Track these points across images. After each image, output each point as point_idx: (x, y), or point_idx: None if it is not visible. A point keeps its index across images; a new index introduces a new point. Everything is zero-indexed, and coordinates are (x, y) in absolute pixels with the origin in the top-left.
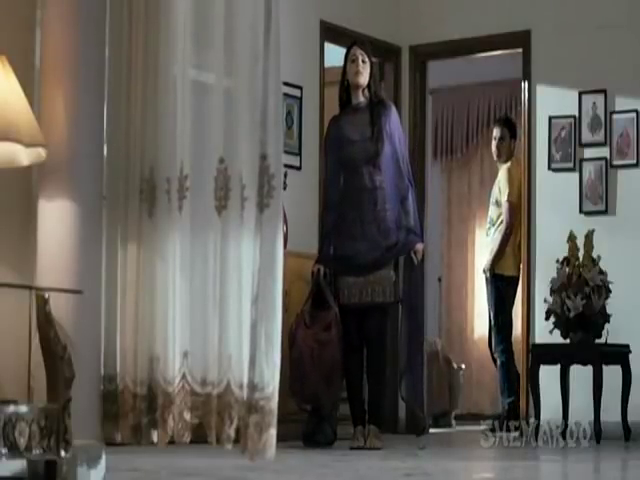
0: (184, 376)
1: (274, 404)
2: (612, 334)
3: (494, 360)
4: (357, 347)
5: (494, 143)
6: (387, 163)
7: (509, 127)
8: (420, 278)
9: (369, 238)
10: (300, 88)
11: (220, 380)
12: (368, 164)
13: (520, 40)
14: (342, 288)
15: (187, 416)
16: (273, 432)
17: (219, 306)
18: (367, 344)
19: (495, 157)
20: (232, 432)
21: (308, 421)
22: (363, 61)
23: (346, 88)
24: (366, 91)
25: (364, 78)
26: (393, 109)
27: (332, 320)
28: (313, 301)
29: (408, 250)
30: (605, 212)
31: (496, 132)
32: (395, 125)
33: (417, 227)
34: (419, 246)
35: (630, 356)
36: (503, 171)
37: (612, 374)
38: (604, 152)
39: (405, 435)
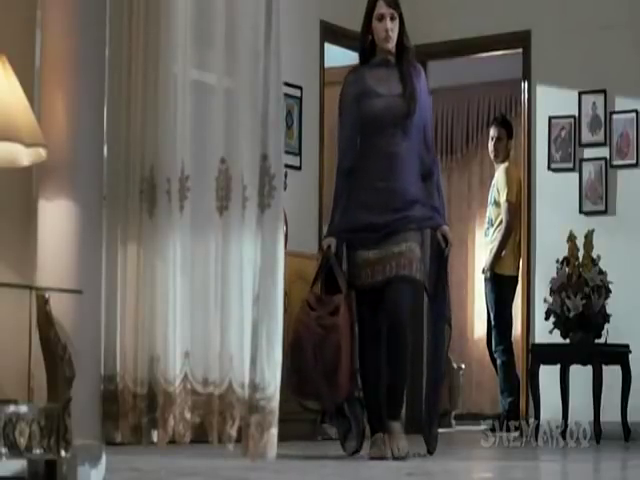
0: (185, 376)
1: (275, 404)
2: (612, 334)
3: (493, 360)
4: (377, 337)
5: (491, 143)
6: (415, 129)
7: (506, 127)
8: (446, 277)
9: (389, 208)
10: (300, 88)
11: (222, 380)
12: (395, 125)
13: (520, 40)
14: (358, 266)
15: (188, 416)
16: (274, 432)
17: (220, 306)
18: (387, 323)
19: (492, 157)
20: (234, 432)
21: (338, 425)
22: (392, 18)
23: (370, 42)
24: (394, 50)
25: (394, 41)
26: (423, 75)
27: (341, 303)
28: (323, 283)
29: (434, 226)
30: (605, 212)
31: (493, 132)
32: (425, 91)
33: (443, 209)
34: (446, 228)
35: (630, 356)
36: (501, 171)
37: (612, 374)
38: (604, 152)
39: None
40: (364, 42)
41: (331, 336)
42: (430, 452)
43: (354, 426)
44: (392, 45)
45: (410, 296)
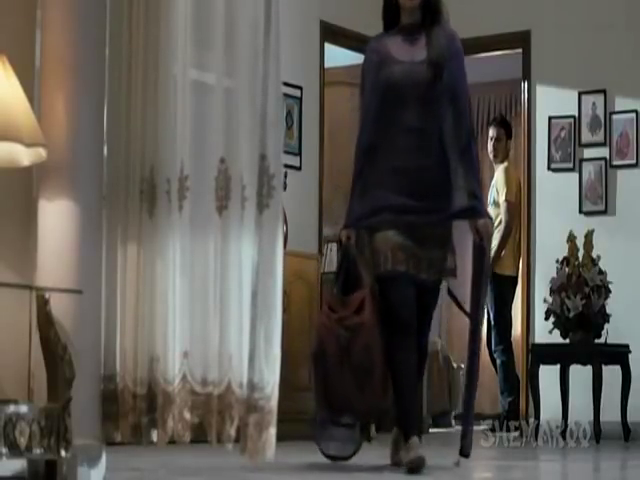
0: (184, 376)
1: (274, 403)
2: (612, 334)
3: (493, 360)
4: (407, 325)
5: (490, 143)
6: (444, 100)
7: (505, 127)
8: (486, 281)
9: (415, 192)
10: (300, 88)
11: (221, 380)
12: (418, 96)
13: (520, 40)
14: (378, 250)
15: (187, 416)
16: (273, 431)
17: (219, 306)
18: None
19: (492, 157)
20: (233, 432)
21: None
22: None
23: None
24: (419, 12)
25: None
26: (457, 40)
27: (365, 298)
28: (343, 283)
29: (472, 217)
30: (605, 212)
31: (492, 132)
32: (456, 58)
33: (480, 192)
34: (484, 222)
35: (630, 356)
36: (500, 171)
37: (612, 374)
38: (604, 152)
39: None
40: (388, 3)
41: (358, 337)
42: (465, 455)
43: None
44: (416, 3)
45: (435, 303)
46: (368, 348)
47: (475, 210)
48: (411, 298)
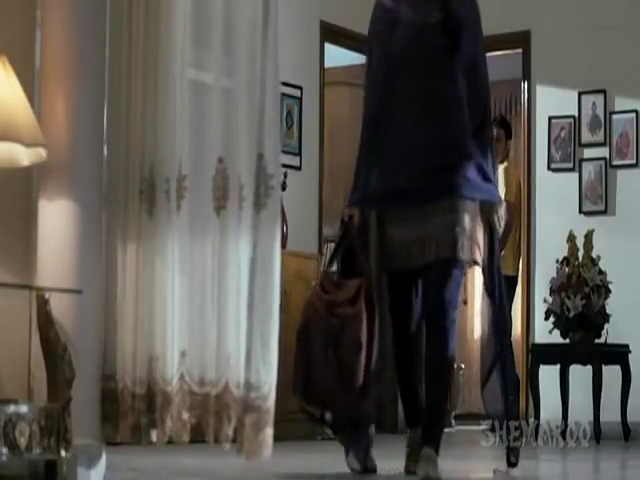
0: (182, 376)
1: (271, 403)
2: (612, 334)
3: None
4: (414, 327)
5: None
6: (459, 68)
7: (505, 127)
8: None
9: (429, 165)
10: (300, 88)
11: (218, 380)
12: (430, 63)
13: (520, 40)
14: (392, 247)
15: (185, 416)
16: (269, 431)
17: (217, 306)
18: (426, 316)
19: None
20: (230, 432)
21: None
22: None
23: None
24: None
25: None
26: (475, 2)
27: (361, 288)
28: (342, 264)
29: (488, 202)
30: (605, 212)
31: None
32: (473, 20)
33: (494, 176)
34: (498, 210)
35: (630, 356)
36: (500, 171)
37: (612, 374)
38: (604, 152)
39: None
40: None
41: (349, 329)
42: (513, 464)
43: (357, 439)
44: None
45: (455, 283)
46: (359, 346)
47: (490, 193)
48: (418, 294)
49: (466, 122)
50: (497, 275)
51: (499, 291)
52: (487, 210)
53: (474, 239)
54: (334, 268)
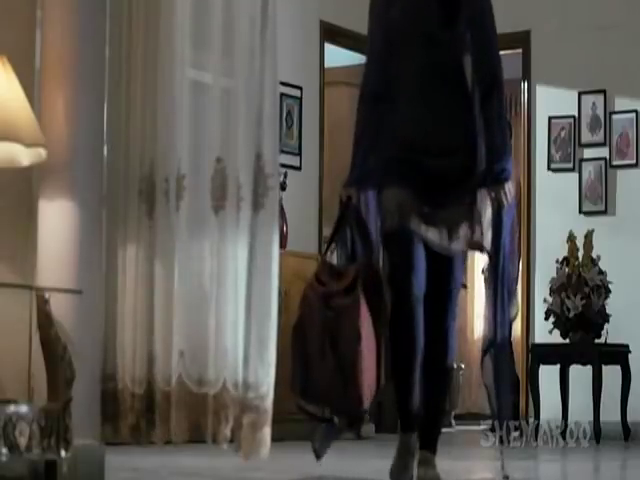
0: (180, 376)
1: (268, 403)
2: (612, 334)
3: None
4: (412, 297)
5: None
6: (463, 38)
7: None
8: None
9: (434, 146)
10: (300, 88)
11: (216, 380)
12: (429, 34)
13: (520, 40)
14: (388, 205)
15: (184, 416)
16: (267, 431)
17: (216, 306)
18: (427, 309)
19: None
20: (228, 431)
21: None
22: None
23: None
24: None
25: None
26: None
27: (358, 275)
28: (338, 249)
29: (500, 181)
30: (605, 212)
31: None
32: None
33: (506, 152)
34: (503, 188)
35: (630, 356)
36: None
37: (612, 374)
38: (604, 152)
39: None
40: None
41: (346, 320)
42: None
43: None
44: None
45: (460, 273)
46: (357, 338)
47: (493, 173)
48: (419, 260)
49: (470, 96)
50: (503, 259)
51: (502, 275)
52: (494, 187)
53: (477, 221)
54: (334, 257)
